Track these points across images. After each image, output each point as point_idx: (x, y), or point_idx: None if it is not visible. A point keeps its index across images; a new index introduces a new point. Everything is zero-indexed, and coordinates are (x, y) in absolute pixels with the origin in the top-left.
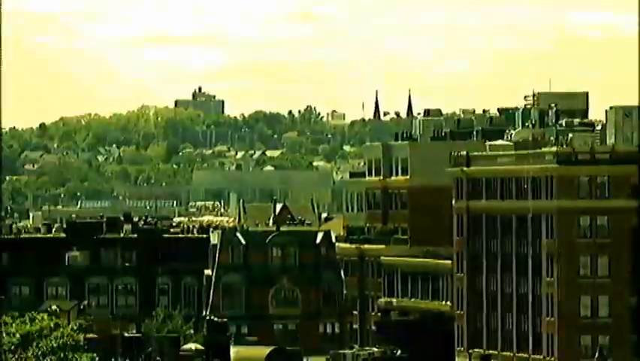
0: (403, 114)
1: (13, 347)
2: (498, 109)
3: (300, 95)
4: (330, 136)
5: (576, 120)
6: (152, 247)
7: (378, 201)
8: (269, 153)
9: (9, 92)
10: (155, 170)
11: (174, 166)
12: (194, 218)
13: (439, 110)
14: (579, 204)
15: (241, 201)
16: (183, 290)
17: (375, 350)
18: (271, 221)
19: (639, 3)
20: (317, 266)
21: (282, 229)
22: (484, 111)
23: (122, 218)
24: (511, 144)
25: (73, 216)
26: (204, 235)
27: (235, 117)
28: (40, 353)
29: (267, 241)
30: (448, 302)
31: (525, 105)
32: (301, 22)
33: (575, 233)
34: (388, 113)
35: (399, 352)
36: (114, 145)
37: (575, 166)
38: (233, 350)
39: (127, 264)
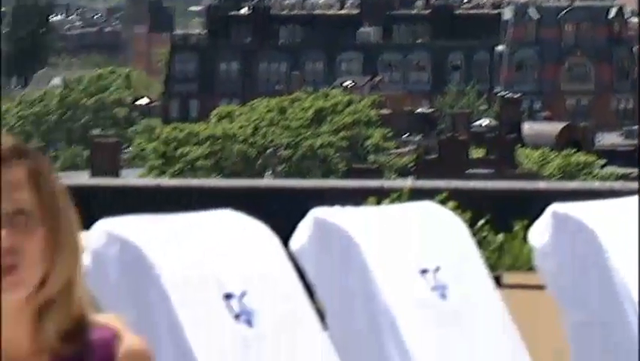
0: None
1: (307, 122)
2: None
3: None
4: None
5: None
6: (445, 23)
7: None
8: None
9: None
10: None
11: None
12: None
13: None
14: None
15: None
16: (475, 66)
17: None
18: None
19: None
20: (610, 41)
21: (575, 4)
22: None
23: None
24: None
25: None
26: (497, 11)
27: None
28: (333, 128)
29: (559, 16)
30: None
31: None
32: None
33: None
34: None
35: None
36: None
37: None
38: (525, 126)
39: (419, 40)
